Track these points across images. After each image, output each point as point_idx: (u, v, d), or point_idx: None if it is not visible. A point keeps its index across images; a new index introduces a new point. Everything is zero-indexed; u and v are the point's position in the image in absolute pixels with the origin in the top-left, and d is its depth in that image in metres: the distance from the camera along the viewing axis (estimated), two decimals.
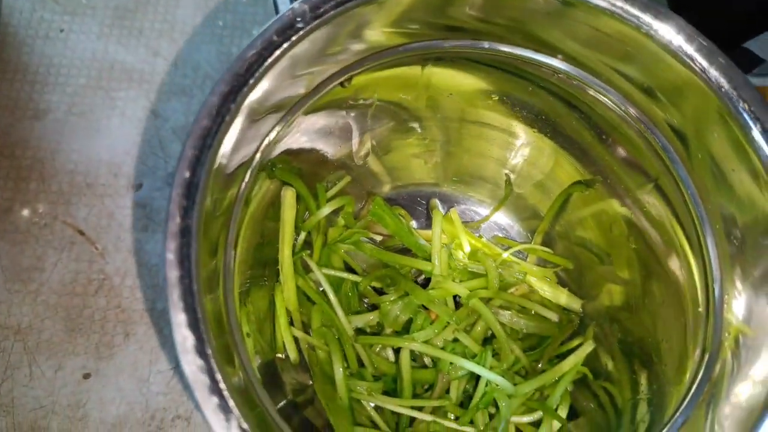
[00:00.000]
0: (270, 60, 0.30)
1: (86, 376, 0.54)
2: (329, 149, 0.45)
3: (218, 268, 0.32)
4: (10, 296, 0.55)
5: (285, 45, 0.30)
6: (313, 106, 0.37)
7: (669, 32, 0.32)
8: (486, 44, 0.37)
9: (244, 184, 0.33)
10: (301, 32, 0.30)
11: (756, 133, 0.30)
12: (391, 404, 0.42)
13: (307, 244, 0.49)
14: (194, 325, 0.25)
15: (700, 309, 0.36)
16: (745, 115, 0.30)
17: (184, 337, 0.25)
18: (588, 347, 0.43)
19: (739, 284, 0.33)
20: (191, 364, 0.25)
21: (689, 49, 0.32)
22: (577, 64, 0.38)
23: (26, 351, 0.54)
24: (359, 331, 0.45)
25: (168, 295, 0.25)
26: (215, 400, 0.24)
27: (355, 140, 0.44)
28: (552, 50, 0.38)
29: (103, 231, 0.58)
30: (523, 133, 0.46)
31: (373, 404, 0.43)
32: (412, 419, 0.43)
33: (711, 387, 0.33)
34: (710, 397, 0.32)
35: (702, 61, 0.32)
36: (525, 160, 0.48)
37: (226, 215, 0.32)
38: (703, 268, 0.35)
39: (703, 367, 0.34)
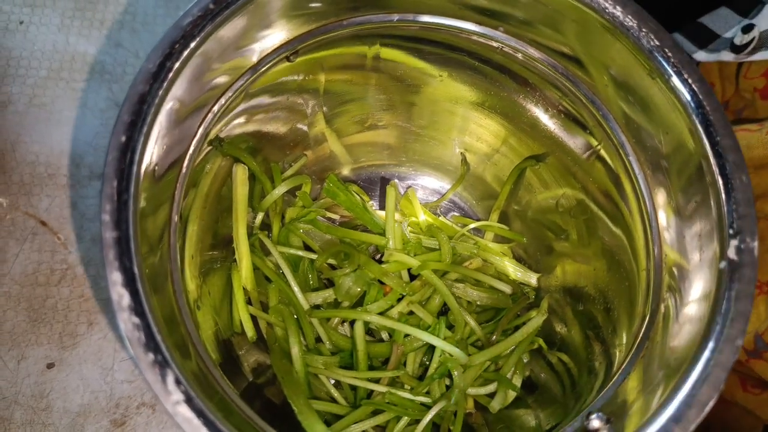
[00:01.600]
0: (206, 30, 0.30)
1: (50, 366, 0.54)
2: (283, 128, 0.45)
3: (164, 242, 0.32)
4: None
5: (224, 13, 0.30)
6: (261, 81, 0.37)
7: None
8: (427, 17, 0.38)
9: (188, 155, 0.34)
10: (238, 2, 0.30)
11: (675, 80, 0.31)
12: (347, 377, 0.42)
13: (266, 225, 0.49)
14: (130, 284, 0.25)
15: (642, 269, 0.37)
16: (666, 66, 0.32)
17: (119, 295, 0.25)
18: (540, 318, 0.44)
19: (672, 219, 0.34)
20: (127, 322, 0.25)
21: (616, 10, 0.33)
22: (520, 37, 0.39)
23: None
24: (317, 308, 0.45)
25: (104, 255, 0.26)
26: (151, 356, 0.25)
27: (308, 120, 0.44)
28: (493, 23, 0.38)
29: (66, 221, 0.58)
30: (472, 112, 0.47)
31: (332, 380, 0.43)
32: (370, 392, 0.43)
33: (650, 342, 0.34)
34: (648, 351, 0.33)
35: (632, 23, 0.33)
36: (478, 139, 0.49)
37: (170, 185, 0.32)
38: (643, 221, 0.36)
39: (645, 325, 0.34)
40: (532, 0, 0.35)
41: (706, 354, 0.28)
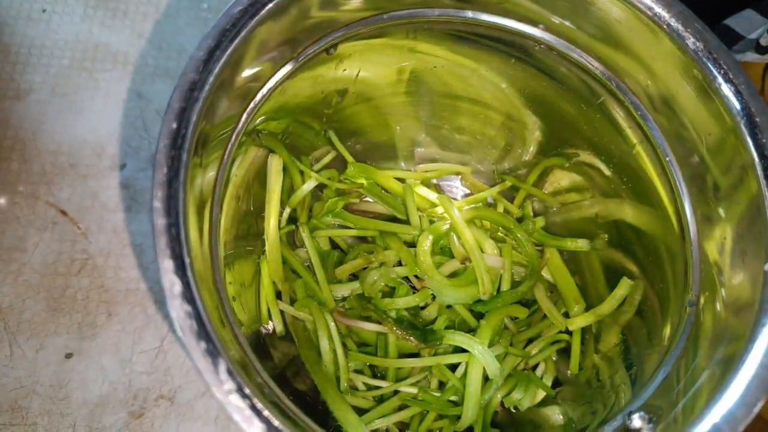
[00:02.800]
0: (256, 18, 0.30)
1: (68, 355, 0.54)
2: (314, 122, 0.45)
3: (204, 229, 0.32)
4: None
5: (270, 4, 0.30)
6: (299, 73, 0.37)
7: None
8: (470, 13, 0.38)
9: (230, 145, 0.34)
10: None
11: (725, 89, 0.31)
12: (379, 383, 0.42)
13: (292, 220, 0.49)
14: (181, 271, 0.25)
15: (680, 271, 0.37)
16: (712, 67, 0.32)
17: (171, 282, 0.25)
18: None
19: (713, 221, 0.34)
20: (179, 310, 0.25)
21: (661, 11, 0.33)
22: (557, 34, 0.39)
23: (7, 331, 0.54)
24: (343, 300, 0.45)
25: (155, 242, 0.25)
26: (203, 344, 0.25)
27: (335, 107, 0.44)
28: (533, 21, 0.38)
29: (86, 211, 0.58)
30: (506, 107, 0.47)
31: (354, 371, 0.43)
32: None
33: (689, 343, 0.34)
34: (688, 353, 0.33)
35: (677, 25, 0.33)
36: (508, 133, 0.49)
37: (213, 175, 0.32)
38: (680, 223, 0.36)
39: (683, 325, 0.34)
40: (627, 30, 0.35)
41: (754, 354, 0.28)
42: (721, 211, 0.34)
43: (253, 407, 0.24)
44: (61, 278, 0.56)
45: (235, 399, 0.24)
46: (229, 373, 0.25)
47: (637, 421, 0.31)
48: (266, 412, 0.24)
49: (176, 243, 0.26)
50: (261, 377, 0.30)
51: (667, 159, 0.37)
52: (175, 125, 0.27)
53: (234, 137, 0.33)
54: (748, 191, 0.32)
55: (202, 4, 0.65)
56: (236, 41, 0.30)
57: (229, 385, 0.24)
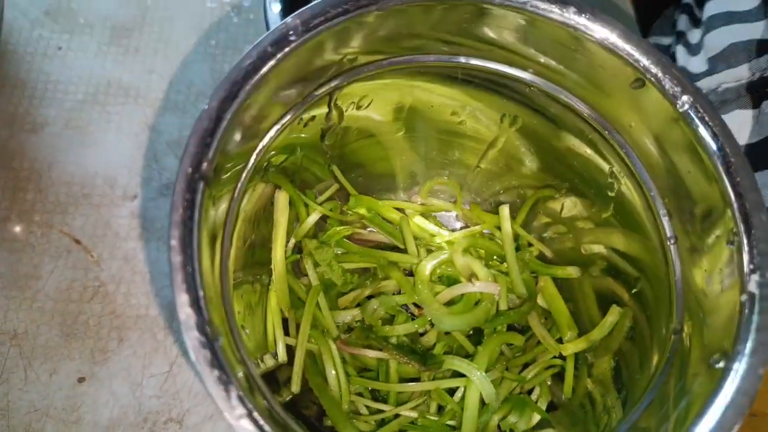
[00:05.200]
0: (264, 69, 0.33)
1: (81, 380, 0.56)
2: (318, 157, 0.48)
3: (215, 262, 0.34)
4: (7, 302, 0.57)
5: (279, 55, 0.33)
6: (304, 113, 0.39)
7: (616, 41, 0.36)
8: (462, 59, 0.40)
9: (240, 182, 0.36)
10: (294, 44, 0.33)
11: (702, 131, 0.34)
12: (381, 407, 0.44)
13: (297, 249, 0.51)
14: (196, 304, 0.27)
15: (665, 301, 0.39)
16: (693, 116, 0.34)
17: (187, 315, 0.27)
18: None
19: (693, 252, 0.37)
20: (194, 340, 0.27)
21: (641, 57, 0.35)
22: (546, 78, 0.41)
23: (22, 356, 0.56)
24: (348, 328, 0.47)
25: (172, 277, 0.28)
26: (216, 372, 0.27)
27: (336, 145, 0.47)
28: (523, 66, 0.41)
29: (99, 240, 0.60)
30: (500, 142, 0.49)
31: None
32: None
33: (674, 368, 0.36)
34: (672, 378, 0.35)
35: (656, 71, 0.36)
36: (503, 167, 0.51)
37: (225, 208, 0.35)
38: (663, 251, 0.39)
39: (668, 351, 0.36)
40: (560, 45, 0.37)
41: (730, 380, 0.30)
42: (701, 243, 0.36)
43: (262, 430, 0.26)
44: (74, 305, 0.58)
45: (246, 423, 0.26)
46: (240, 399, 0.27)
47: None
48: None
49: (191, 278, 0.28)
50: (269, 403, 0.32)
51: (651, 194, 0.39)
52: (190, 170, 0.29)
53: (244, 174, 0.36)
54: (725, 225, 0.34)
55: (211, 41, 0.68)
56: (246, 89, 0.32)
57: (240, 410, 0.26)
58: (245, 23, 0.69)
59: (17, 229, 0.59)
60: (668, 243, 0.39)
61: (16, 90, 0.64)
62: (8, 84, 0.64)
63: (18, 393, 0.54)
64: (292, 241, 0.49)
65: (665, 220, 0.39)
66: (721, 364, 0.31)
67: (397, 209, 0.53)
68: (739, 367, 0.30)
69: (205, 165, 0.30)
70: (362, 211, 0.50)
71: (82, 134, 0.63)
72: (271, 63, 0.32)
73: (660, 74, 0.35)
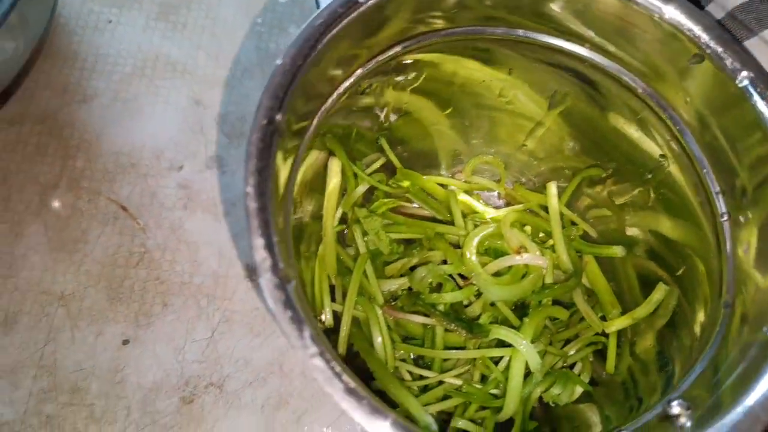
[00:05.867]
0: (334, 30, 0.34)
1: (125, 342, 0.57)
2: (369, 127, 0.49)
3: (279, 219, 0.35)
4: (55, 264, 0.58)
5: (348, 17, 0.34)
6: (363, 80, 0.40)
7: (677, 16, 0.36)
8: (520, 32, 0.41)
9: (303, 144, 0.37)
10: (362, 7, 0.34)
11: (761, 106, 0.34)
12: (426, 373, 0.45)
13: (342, 221, 0.52)
14: (271, 248, 0.28)
15: (715, 271, 0.39)
16: (753, 91, 0.34)
17: (263, 257, 0.28)
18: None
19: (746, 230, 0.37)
20: (269, 282, 0.28)
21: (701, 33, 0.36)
22: (602, 53, 0.42)
23: (69, 316, 0.57)
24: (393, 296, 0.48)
25: (248, 222, 0.29)
26: (290, 313, 0.28)
27: (392, 116, 0.48)
28: (580, 40, 0.42)
29: (145, 208, 0.61)
30: (548, 121, 0.50)
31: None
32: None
33: (724, 341, 0.36)
34: (723, 350, 0.36)
35: (716, 47, 0.36)
36: (549, 145, 0.52)
37: (287, 171, 0.36)
38: (714, 229, 0.39)
39: (718, 325, 0.37)
40: (619, 20, 0.38)
41: None
42: (749, 215, 0.37)
43: (333, 370, 0.27)
44: (120, 269, 0.59)
45: (318, 362, 0.27)
46: (312, 339, 0.28)
47: (676, 408, 0.33)
48: (345, 376, 0.27)
49: (266, 224, 0.29)
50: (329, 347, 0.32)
51: (704, 171, 0.40)
52: (265, 121, 0.30)
53: (307, 135, 0.37)
54: None
55: (257, 19, 0.69)
56: (317, 49, 0.33)
57: (313, 349, 0.27)
58: (291, 4, 0.70)
59: (67, 195, 0.61)
60: (721, 219, 0.39)
61: (68, 62, 0.65)
62: (60, 56, 0.66)
63: (65, 352, 0.56)
64: (339, 211, 0.50)
65: (719, 198, 0.39)
66: None
67: (441, 185, 0.53)
68: None
69: (278, 117, 0.31)
70: (407, 185, 0.50)
71: (130, 106, 0.65)
72: (341, 23, 0.33)
73: (720, 50, 0.36)
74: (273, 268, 0.28)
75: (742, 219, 0.37)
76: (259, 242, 0.28)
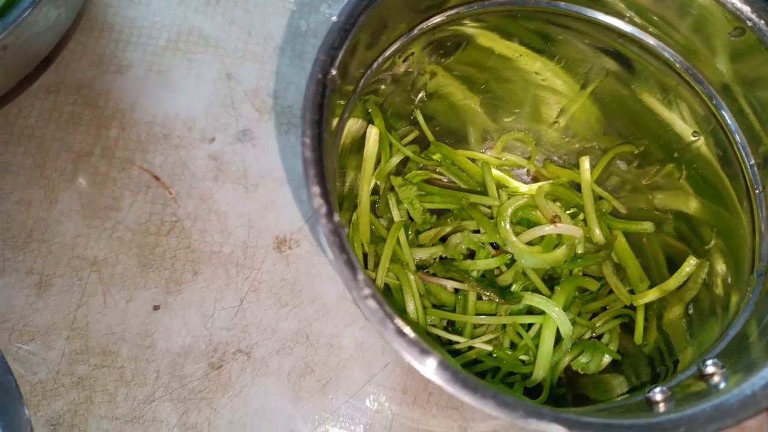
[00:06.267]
0: None
1: (155, 308, 0.58)
2: (405, 100, 0.50)
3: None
4: (88, 231, 0.60)
5: None
6: (408, 47, 0.41)
7: None
8: (562, 4, 0.42)
9: (349, 105, 0.38)
10: None
11: None
12: (457, 338, 0.46)
13: (373, 191, 0.53)
14: (326, 196, 0.29)
15: (747, 248, 0.40)
16: None
17: (319, 204, 0.29)
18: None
19: None
20: (326, 227, 0.29)
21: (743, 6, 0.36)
22: (641, 27, 0.43)
23: (101, 281, 0.58)
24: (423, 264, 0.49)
25: (305, 171, 0.29)
26: (344, 256, 0.29)
27: (428, 90, 0.49)
28: (619, 13, 0.42)
29: (177, 178, 0.62)
30: (581, 97, 0.50)
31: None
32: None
33: (758, 306, 0.37)
34: (757, 314, 0.36)
35: (758, 20, 0.37)
36: (580, 123, 0.53)
37: (335, 129, 0.37)
38: (748, 199, 0.40)
39: (750, 293, 0.38)
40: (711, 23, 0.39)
41: None
42: None
43: (385, 311, 0.28)
44: (152, 237, 0.60)
45: (371, 303, 0.28)
46: (365, 282, 0.28)
47: (710, 367, 0.34)
48: (396, 319, 0.28)
49: (322, 173, 0.30)
50: None
51: (739, 143, 0.41)
52: (320, 75, 0.31)
53: (353, 97, 0.38)
54: None
55: None
56: (367, 12, 0.34)
57: (367, 291, 0.28)
58: None
59: (100, 163, 0.62)
60: (755, 191, 0.40)
61: (104, 33, 0.67)
62: (96, 27, 0.67)
63: (96, 316, 0.57)
64: (373, 181, 0.51)
65: (754, 170, 0.40)
66: None
67: (472, 160, 0.54)
68: None
69: (333, 72, 0.32)
70: (438, 157, 0.51)
71: (164, 78, 0.66)
72: None
73: (762, 22, 0.36)
74: (328, 215, 0.29)
75: None
76: (315, 190, 0.29)
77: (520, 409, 0.26)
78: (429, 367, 0.27)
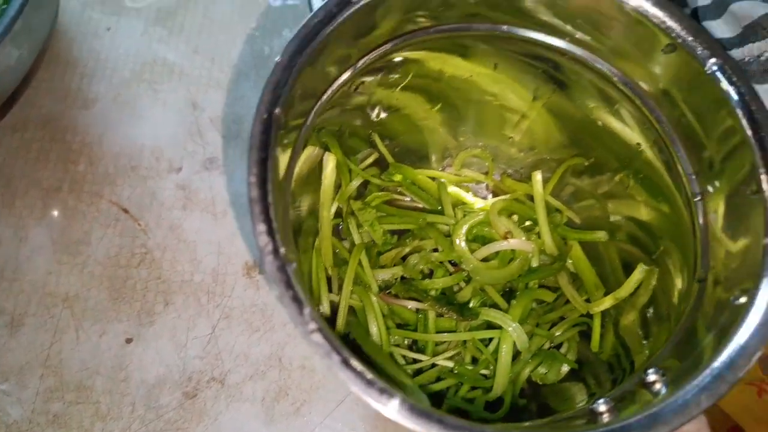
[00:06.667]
0: (328, 29, 0.36)
1: (128, 340, 0.59)
2: (361, 125, 0.51)
3: (279, 210, 0.37)
4: (59, 267, 0.60)
5: (342, 15, 0.36)
6: (355, 78, 0.43)
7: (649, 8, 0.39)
8: (504, 27, 0.43)
9: (299, 139, 0.39)
10: (356, 6, 0.36)
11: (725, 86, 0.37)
12: (419, 357, 0.47)
13: (337, 215, 0.54)
14: (271, 233, 0.30)
15: (690, 251, 0.41)
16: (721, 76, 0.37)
17: (265, 242, 0.30)
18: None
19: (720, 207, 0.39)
20: (271, 264, 0.30)
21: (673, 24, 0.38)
22: (581, 46, 0.44)
23: (74, 317, 0.59)
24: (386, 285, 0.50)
25: (251, 209, 0.31)
26: (291, 292, 0.30)
27: (383, 113, 0.50)
28: (560, 34, 0.44)
29: (146, 209, 0.63)
30: (533, 113, 0.52)
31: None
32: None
33: (698, 313, 0.38)
34: (696, 321, 0.38)
35: (687, 37, 0.39)
36: (534, 137, 0.54)
37: (286, 164, 0.38)
38: (688, 207, 0.42)
39: (692, 299, 0.39)
40: (596, 13, 0.40)
41: (756, 307, 0.32)
42: (717, 184, 0.39)
43: (332, 344, 0.29)
44: (122, 270, 0.61)
45: (317, 337, 0.29)
46: (311, 317, 0.29)
47: (651, 375, 0.35)
48: (343, 351, 0.29)
49: (267, 211, 0.31)
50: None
51: (679, 154, 0.42)
52: (266, 115, 0.33)
53: (303, 130, 0.39)
54: (748, 174, 0.37)
55: (251, 24, 0.71)
56: (313, 46, 0.35)
57: (312, 325, 0.29)
58: (285, 8, 0.72)
59: (70, 198, 0.63)
60: (694, 199, 0.41)
61: (69, 68, 0.67)
62: (61, 62, 0.68)
63: (70, 352, 0.57)
64: (335, 205, 0.52)
65: (692, 179, 0.41)
66: (743, 300, 0.34)
67: (431, 179, 0.56)
68: (761, 301, 0.33)
69: (278, 110, 0.33)
70: (398, 178, 0.53)
71: (130, 109, 0.67)
72: (336, 22, 0.35)
73: (690, 39, 0.38)
74: (275, 252, 0.30)
75: (711, 189, 0.40)
76: (261, 228, 0.30)
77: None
78: (377, 396, 0.28)
